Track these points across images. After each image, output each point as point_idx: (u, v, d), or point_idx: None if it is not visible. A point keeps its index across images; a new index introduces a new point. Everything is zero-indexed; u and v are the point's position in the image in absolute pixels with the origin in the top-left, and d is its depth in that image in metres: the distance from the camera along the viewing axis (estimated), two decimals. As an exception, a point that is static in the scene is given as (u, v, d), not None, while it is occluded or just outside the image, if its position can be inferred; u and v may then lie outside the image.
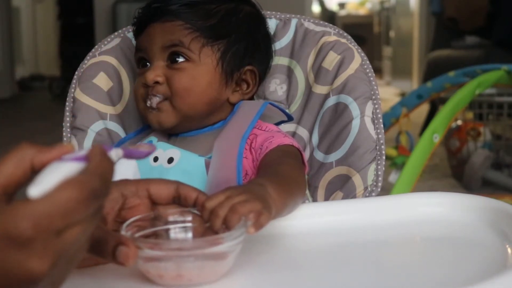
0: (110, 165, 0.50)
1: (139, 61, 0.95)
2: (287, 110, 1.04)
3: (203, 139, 0.94)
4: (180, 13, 0.91)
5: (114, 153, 0.53)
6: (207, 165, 0.88)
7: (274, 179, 0.72)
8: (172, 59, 0.91)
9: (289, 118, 0.99)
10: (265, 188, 0.67)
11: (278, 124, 0.99)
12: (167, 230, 0.65)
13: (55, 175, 0.47)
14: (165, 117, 0.91)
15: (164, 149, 0.91)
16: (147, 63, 0.93)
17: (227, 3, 0.95)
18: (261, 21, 1.01)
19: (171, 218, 0.65)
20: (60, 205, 0.45)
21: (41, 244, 0.44)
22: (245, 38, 0.96)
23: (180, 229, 0.65)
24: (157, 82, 0.90)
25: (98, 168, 0.49)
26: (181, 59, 0.91)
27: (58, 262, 0.46)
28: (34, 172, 0.49)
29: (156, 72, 0.90)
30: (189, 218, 0.66)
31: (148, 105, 0.91)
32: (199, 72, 0.91)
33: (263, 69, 1.00)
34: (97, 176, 0.48)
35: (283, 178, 0.74)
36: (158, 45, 0.91)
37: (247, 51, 0.96)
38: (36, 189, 0.45)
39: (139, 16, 0.95)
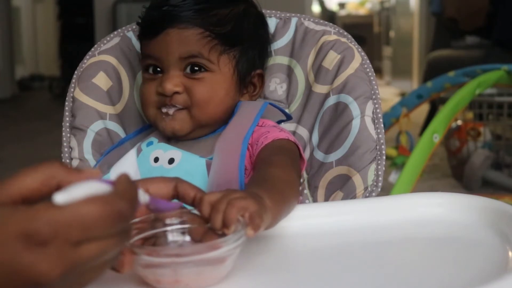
0: (136, 192, 0.52)
1: (149, 66, 0.93)
2: (286, 110, 1.04)
3: (204, 140, 0.94)
4: (197, 19, 0.89)
5: (141, 195, 0.56)
6: (208, 166, 0.88)
7: (267, 187, 0.71)
8: (191, 69, 0.90)
9: (288, 118, 0.99)
10: (262, 199, 0.67)
11: (278, 123, 0.99)
12: (166, 232, 0.65)
13: (83, 189, 0.48)
14: (180, 125, 0.91)
15: (165, 150, 0.91)
16: (158, 69, 0.92)
17: (236, 6, 0.94)
18: (266, 23, 1.01)
19: (170, 220, 0.65)
20: (81, 218, 0.46)
21: (56, 251, 0.45)
22: (255, 42, 0.96)
23: (179, 231, 0.65)
24: (176, 92, 0.90)
25: (126, 192, 0.50)
26: (201, 69, 0.90)
27: (70, 273, 0.46)
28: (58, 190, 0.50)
29: (174, 82, 0.89)
30: (188, 219, 0.65)
31: (163, 111, 0.91)
32: (218, 81, 0.91)
33: (265, 70, 1.01)
34: (124, 199, 0.49)
35: (275, 184, 0.73)
36: (175, 55, 0.89)
37: (257, 55, 0.96)
38: (62, 197, 0.46)
39: (151, 19, 0.92)
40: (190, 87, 0.90)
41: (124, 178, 0.52)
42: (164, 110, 0.90)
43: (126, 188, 0.51)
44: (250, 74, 0.96)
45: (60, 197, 0.46)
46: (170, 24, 0.89)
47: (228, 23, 0.92)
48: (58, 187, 0.50)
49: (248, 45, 0.94)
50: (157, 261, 0.57)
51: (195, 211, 0.65)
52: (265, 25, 1.01)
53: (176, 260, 0.56)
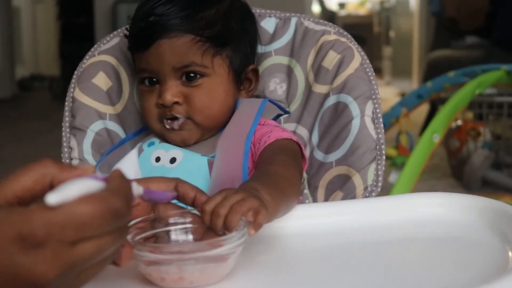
0: (129, 188, 0.52)
1: (144, 79, 0.93)
2: (286, 109, 1.04)
3: (205, 139, 0.94)
4: (185, 26, 0.89)
5: (135, 188, 0.55)
6: (210, 165, 0.88)
7: (267, 182, 0.71)
8: (187, 77, 0.90)
9: (285, 112, 1.00)
10: (258, 192, 0.67)
11: (276, 118, 1.00)
12: (168, 232, 0.65)
13: (76, 188, 0.47)
14: (189, 135, 0.91)
15: (166, 150, 0.91)
16: (154, 79, 0.92)
17: (220, 4, 0.93)
18: (252, 15, 1.01)
19: (171, 220, 0.65)
20: (75, 218, 0.45)
21: (52, 252, 0.45)
22: (245, 38, 0.96)
23: (180, 230, 0.65)
24: (176, 103, 0.90)
25: (120, 188, 0.50)
26: (197, 76, 0.90)
27: (67, 273, 0.46)
28: (52, 188, 0.49)
29: (173, 92, 0.89)
30: (190, 219, 0.66)
31: (168, 127, 0.91)
32: (216, 84, 0.91)
33: (257, 62, 1.01)
34: (118, 195, 0.49)
35: (275, 180, 0.74)
36: (169, 66, 0.89)
37: (248, 50, 0.96)
38: (54, 197, 0.46)
39: (140, 31, 0.91)
40: (189, 95, 0.90)
41: (117, 174, 0.51)
42: (168, 125, 0.91)
43: (119, 184, 0.50)
44: (244, 70, 0.96)
45: (52, 198, 0.45)
46: (160, 35, 0.89)
47: (216, 23, 0.91)
48: (52, 185, 0.50)
49: (238, 41, 0.94)
50: (161, 258, 0.57)
51: (195, 211, 0.65)
52: (251, 17, 1.00)
53: (179, 257, 0.57)
